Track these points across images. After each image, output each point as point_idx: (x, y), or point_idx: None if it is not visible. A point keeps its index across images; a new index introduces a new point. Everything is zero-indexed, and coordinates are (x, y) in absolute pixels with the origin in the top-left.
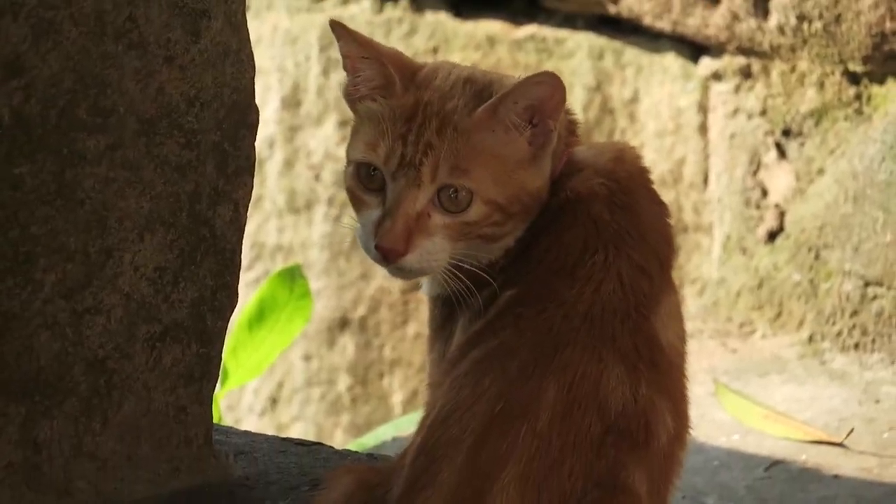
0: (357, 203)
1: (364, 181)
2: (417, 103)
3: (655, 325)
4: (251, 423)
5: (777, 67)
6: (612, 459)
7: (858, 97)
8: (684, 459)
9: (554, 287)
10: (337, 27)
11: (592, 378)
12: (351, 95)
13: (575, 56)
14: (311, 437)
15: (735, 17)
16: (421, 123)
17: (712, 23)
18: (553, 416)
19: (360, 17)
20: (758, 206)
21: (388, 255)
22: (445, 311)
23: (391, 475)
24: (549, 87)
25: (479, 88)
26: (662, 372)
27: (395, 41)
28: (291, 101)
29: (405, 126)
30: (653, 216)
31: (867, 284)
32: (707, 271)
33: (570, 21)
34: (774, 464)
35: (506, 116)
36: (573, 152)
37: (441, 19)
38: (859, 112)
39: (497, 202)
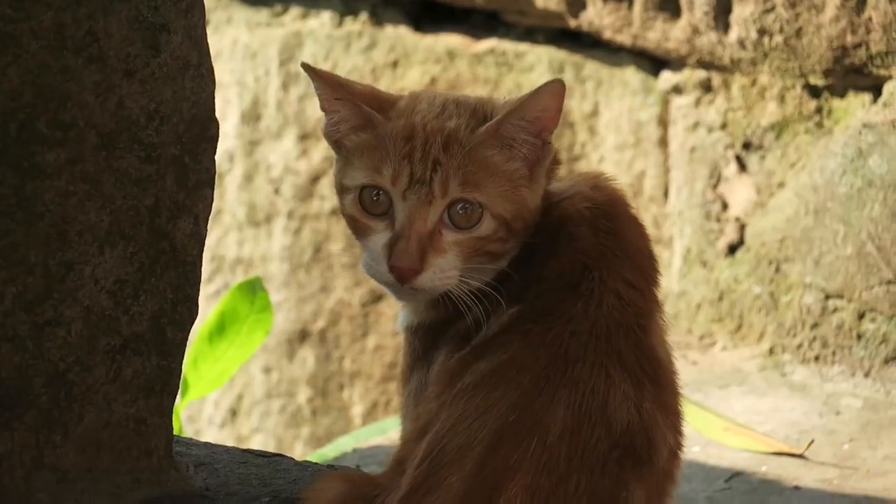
0: (361, 229)
1: (368, 206)
2: (413, 126)
3: (653, 341)
4: (211, 434)
5: (738, 81)
6: (615, 478)
7: (819, 110)
8: (679, 476)
9: (558, 303)
10: (309, 70)
11: (601, 393)
12: (331, 135)
13: (535, 70)
14: (271, 449)
15: (695, 31)
16: (424, 142)
17: (673, 36)
18: (563, 431)
19: (319, 32)
20: (718, 220)
21: (404, 275)
22: (428, 341)
23: (386, 483)
24: (554, 94)
25: (472, 108)
26: (663, 388)
27: (354, 55)
28: (251, 115)
29: (407, 146)
30: (635, 237)
31: (828, 297)
32: (668, 284)
33: (530, 35)
34: (735, 475)
35: (508, 133)
36: (552, 184)
37: (401, 33)
38: (820, 125)
39: (504, 218)
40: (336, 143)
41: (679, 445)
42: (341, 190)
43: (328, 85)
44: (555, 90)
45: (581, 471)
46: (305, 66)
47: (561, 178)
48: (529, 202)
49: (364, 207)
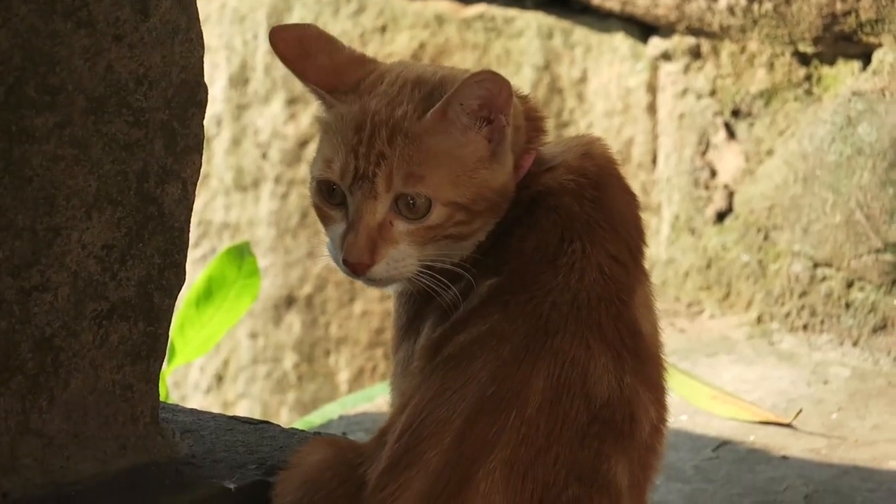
0: (323, 218)
1: (326, 197)
2: (364, 112)
3: (635, 314)
4: (197, 400)
5: (727, 48)
6: (595, 450)
7: (808, 78)
8: (663, 452)
9: (538, 275)
10: (271, 40)
11: (581, 366)
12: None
13: (524, 35)
14: (256, 415)
15: None
16: (371, 134)
17: (662, 3)
18: (542, 403)
19: None
20: (706, 187)
21: (355, 269)
22: (413, 309)
23: (370, 452)
24: (491, 84)
25: (428, 90)
26: (644, 362)
27: (343, 20)
28: (239, 79)
29: (356, 137)
30: (622, 208)
31: (816, 265)
32: (655, 251)
33: (518, 0)
34: (722, 444)
35: (456, 117)
36: (542, 149)
37: None
38: (809, 93)
39: (458, 203)
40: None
41: (662, 420)
42: (310, 175)
43: (284, 60)
44: (480, 79)
45: (560, 443)
46: (270, 34)
47: (552, 142)
48: (492, 182)
49: (323, 197)
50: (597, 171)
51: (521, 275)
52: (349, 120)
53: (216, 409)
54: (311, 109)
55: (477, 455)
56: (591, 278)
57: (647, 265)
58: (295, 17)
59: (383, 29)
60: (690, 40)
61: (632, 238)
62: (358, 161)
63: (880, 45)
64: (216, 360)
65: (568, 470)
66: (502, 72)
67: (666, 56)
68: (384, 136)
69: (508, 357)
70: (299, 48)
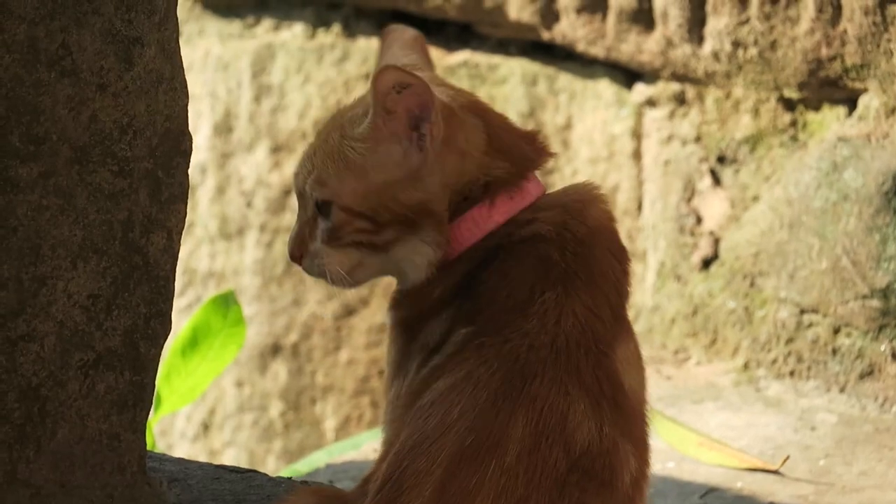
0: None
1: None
2: (324, 121)
3: (616, 366)
4: (184, 448)
5: (712, 94)
6: (575, 500)
7: (794, 124)
8: None
9: (511, 320)
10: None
11: (560, 412)
12: None
13: (508, 82)
14: (243, 463)
15: (669, 44)
16: (316, 139)
17: (646, 49)
18: (521, 451)
19: (292, 43)
20: (692, 233)
21: (291, 258)
22: (401, 346)
23: (353, 501)
24: (383, 84)
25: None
26: (625, 415)
27: (327, 67)
28: (223, 128)
29: (310, 143)
30: (605, 262)
31: (802, 312)
32: (641, 298)
33: (503, 47)
34: (710, 491)
35: (377, 124)
36: (543, 193)
37: (373, 45)
38: (795, 139)
39: (358, 211)
40: None
41: (643, 476)
42: None
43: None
44: (379, 79)
45: (539, 492)
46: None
47: (560, 189)
48: (402, 196)
49: None
50: (589, 220)
51: (494, 320)
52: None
53: (203, 458)
54: (295, 157)
55: None
56: (568, 324)
57: (627, 324)
58: (279, 65)
59: (367, 76)
60: (675, 86)
61: (611, 293)
62: (301, 164)
63: (866, 90)
64: (202, 408)
65: None
66: None
67: (651, 102)
68: (319, 142)
69: (486, 405)
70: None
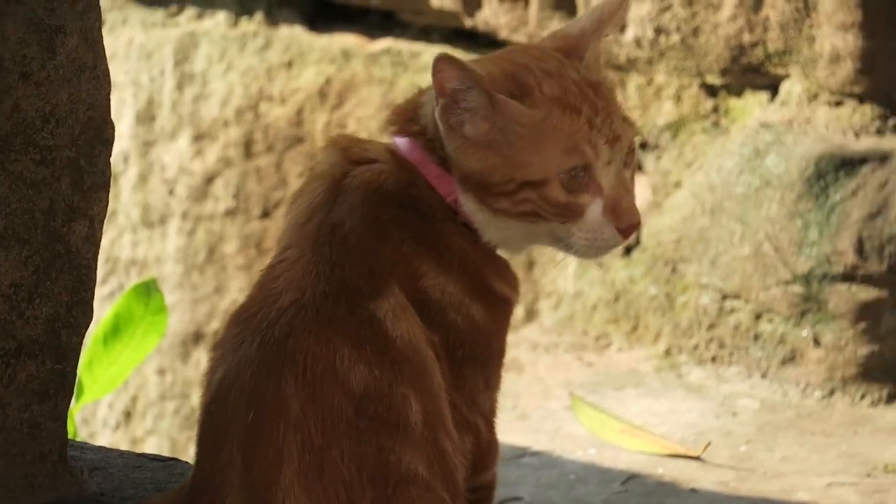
0: (571, 212)
1: (570, 186)
2: (561, 99)
3: (377, 315)
4: (106, 437)
5: (634, 80)
6: (375, 445)
7: (716, 110)
8: (449, 450)
9: (265, 284)
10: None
11: (325, 359)
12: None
13: (430, 70)
14: (165, 451)
15: None
16: (591, 104)
17: (570, 36)
18: (302, 404)
19: (215, 32)
20: None
21: (635, 227)
22: None
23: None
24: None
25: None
26: (395, 361)
27: (249, 55)
28: (146, 116)
29: (579, 119)
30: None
31: (724, 297)
32: (563, 285)
33: (425, 34)
34: (631, 478)
35: None
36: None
37: (296, 33)
38: (717, 125)
39: None
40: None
41: (438, 424)
42: (523, 181)
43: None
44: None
45: (337, 440)
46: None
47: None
48: None
49: (566, 188)
50: (355, 184)
51: (257, 288)
52: (555, 108)
53: (125, 446)
54: (219, 145)
55: (268, 480)
56: (312, 279)
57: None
58: (202, 53)
59: (290, 64)
60: None
61: (369, 253)
62: (601, 131)
63: (788, 75)
64: (124, 396)
65: (358, 465)
66: None
67: None
68: (596, 97)
69: (253, 379)
70: None
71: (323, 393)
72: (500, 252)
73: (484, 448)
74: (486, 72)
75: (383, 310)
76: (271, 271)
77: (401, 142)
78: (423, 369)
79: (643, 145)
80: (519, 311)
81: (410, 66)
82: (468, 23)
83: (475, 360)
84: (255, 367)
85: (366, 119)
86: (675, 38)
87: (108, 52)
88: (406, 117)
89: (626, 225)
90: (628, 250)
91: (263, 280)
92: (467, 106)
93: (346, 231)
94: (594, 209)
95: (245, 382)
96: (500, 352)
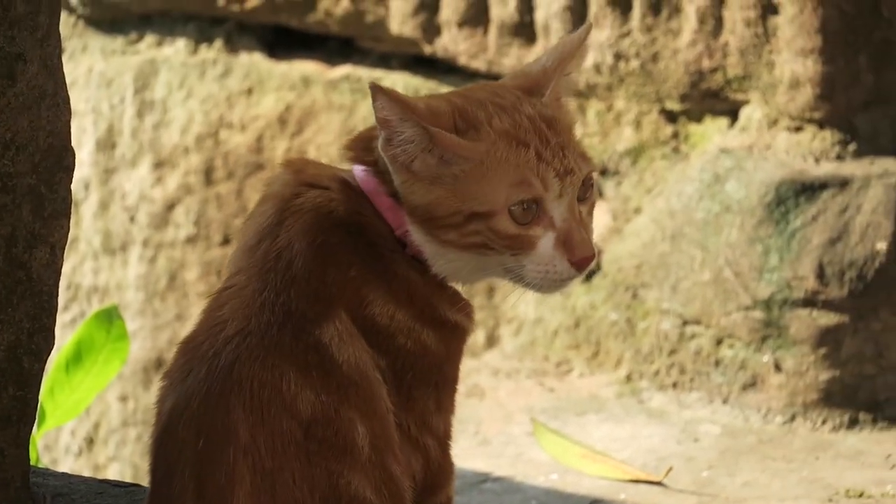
0: (522, 244)
1: (520, 219)
2: (509, 133)
3: (323, 340)
4: (68, 463)
5: (593, 106)
6: (325, 469)
7: (676, 135)
8: (397, 473)
9: (210, 313)
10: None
11: (272, 384)
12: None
13: None
14: (127, 478)
15: None
16: (542, 139)
17: (527, 62)
18: (251, 429)
19: (174, 59)
20: None
21: (589, 261)
22: None
23: None
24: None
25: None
26: (341, 385)
27: (209, 82)
28: (106, 143)
29: (527, 152)
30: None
31: (685, 323)
32: (524, 310)
33: (384, 61)
34: (593, 503)
35: None
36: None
37: (255, 60)
38: (676, 150)
39: None
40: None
41: (386, 447)
42: (471, 213)
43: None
44: None
45: (288, 462)
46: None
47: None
48: None
49: (517, 221)
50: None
51: (202, 319)
52: (500, 142)
53: (87, 473)
54: (179, 171)
55: (222, 503)
56: (258, 306)
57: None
58: (162, 81)
59: (249, 91)
60: None
61: (313, 277)
62: (552, 164)
63: (748, 101)
64: (87, 423)
65: (310, 487)
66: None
67: None
68: (548, 132)
69: (202, 407)
70: None
71: (271, 418)
72: (452, 284)
73: (434, 469)
74: (426, 106)
75: (329, 335)
76: (218, 298)
77: (357, 170)
78: (370, 393)
79: (603, 171)
80: (480, 337)
81: (370, 92)
82: (427, 49)
83: (426, 384)
84: (203, 396)
85: (325, 146)
86: (635, 63)
87: (68, 80)
88: (363, 146)
89: (578, 258)
90: (589, 276)
91: (210, 308)
92: (403, 138)
93: (294, 255)
94: (546, 242)
95: (194, 411)
96: (454, 376)
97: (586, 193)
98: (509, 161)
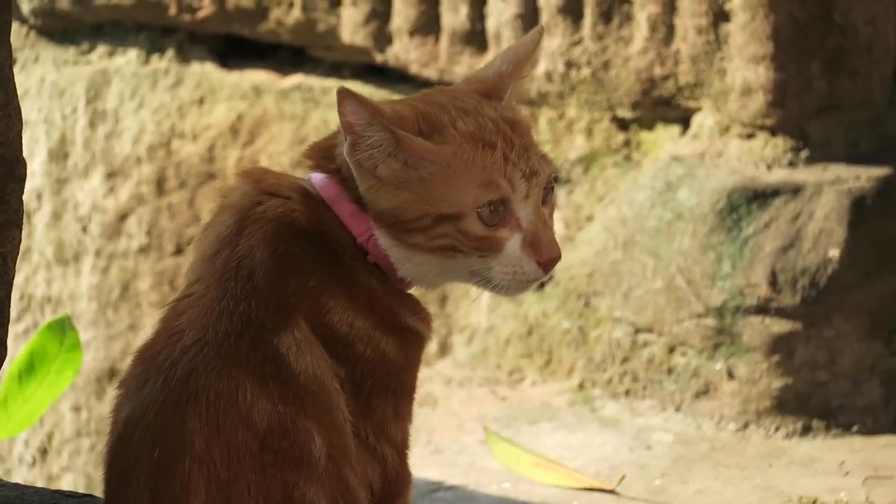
0: (490, 246)
1: (488, 221)
2: (475, 135)
3: (280, 350)
4: (21, 474)
5: (545, 115)
6: (280, 480)
7: (627, 143)
8: (354, 483)
9: (168, 322)
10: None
11: (228, 395)
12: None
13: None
14: (81, 488)
15: None
16: (507, 141)
17: (479, 67)
18: (207, 439)
19: (126, 69)
20: None
21: (555, 262)
22: None
23: None
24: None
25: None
26: (298, 395)
27: (161, 92)
28: (59, 154)
29: (494, 153)
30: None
31: (637, 331)
32: (476, 319)
33: (336, 70)
34: None
35: None
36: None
37: (207, 70)
38: (628, 158)
39: None
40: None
41: (343, 456)
42: (439, 216)
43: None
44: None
45: (243, 473)
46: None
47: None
48: None
49: (485, 222)
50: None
51: (159, 328)
52: (468, 145)
53: (41, 483)
54: (131, 182)
55: None
56: (216, 316)
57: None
58: (114, 91)
59: (201, 101)
60: None
61: (274, 287)
62: (517, 165)
63: (699, 108)
64: (40, 434)
65: (265, 498)
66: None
67: None
68: (512, 135)
69: (157, 417)
70: None
71: (227, 428)
72: (417, 287)
73: (392, 478)
74: (392, 110)
75: (286, 344)
76: (176, 307)
77: (317, 178)
78: (328, 403)
79: (555, 179)
80: (432, 346)
81: (321, 101)
82: (379, 58)
83: (385, 392)
84: (160, 406)
85: (277, 155)
86: (586, 71)
87: (20, 90)
88: (323, 154)
89: (545, 258)
90: (541, 285)
91: (168, 316)
92: (370, 143)
93: (254, 264)
94: (513, 243)
95: (150, 420)
96: (412, 385)
97: (548, 196)
98: (476, 162)
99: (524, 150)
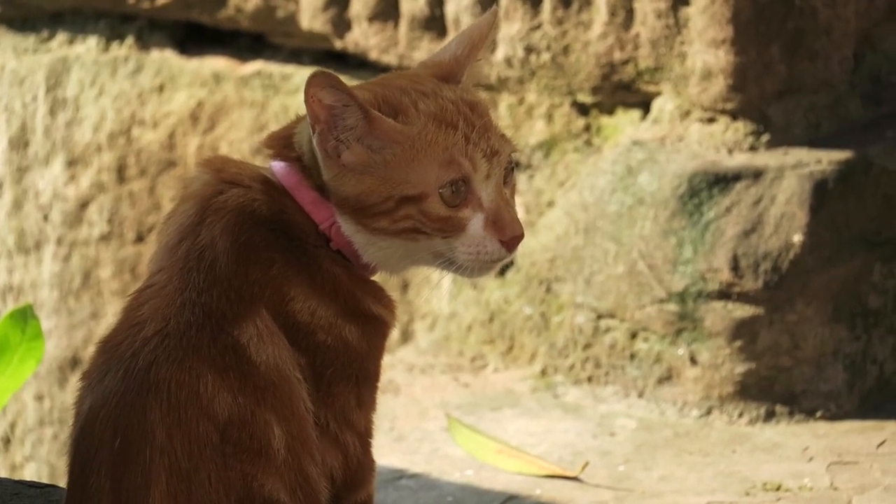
0: (453, 226)
1: (450, 201)
2: (437, 116)
3: (241, 342)
4: None
5: (505, 100)
6: (240, 471)
7: (588, 128)
8: (314, 475)
9: (130, 312)
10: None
11: (189, 386)
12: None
13: (302, 91)
14: (44, 478)
15: None
16: (467, 122)
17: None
18: (168, 430)
19: (86, 57)
20: None
21: (518, 240)
22: None
23: None
24: None
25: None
26: (258, 386)
27: (121, 80)
28: (19, 142)
29: (455, 133)
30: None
31: (600, 317)
32: (438, 306)
33: (296, 56)
34: (509, 499)
35: None
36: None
37: (166, 57)
38: (589, 143)
39: None
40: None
41: (303, 448)
42: (403, 196)
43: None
44: None
45: (204, 464)
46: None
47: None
48: None
49: (447, 203)
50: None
51: (121, 318)
52: (426, 128)
53: (3, 473)
54: (92, 170)
55: (137, 502)
56: (177, 307)
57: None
58: (73, 78)
59: (161, 88)
60: None
61: (236, 277)
62: (478, 145)
63: (660, 93)
64: (2, 423)
65: (226, 489)
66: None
67: None
68: (472, 117)
69: (118, 408)
70: None
71: (188, 419)
72: (381, 273)
73: (354, 467)
74: (359, 94)
75: (248, 335)
76: (138, 297)
77: (277, 166)
78: (289, 394)
79: (516, 165)
80: (394, 333)
81: (281, 88)
82: (338, 44)
83: (347, 379)
84: (121, 396)
85: (238, 142)
86: (546, 56)
87: None
88: (283, 143)
89: (508, 237)
90: (503, 271)
91: (130, 307)
92: (345, 124)
93: (216, 254)
94: (475, 223)
95: (111, 411)
96: (375, 372)
97: (509, 176)
98: (438, 143)
99: (484, 130)
